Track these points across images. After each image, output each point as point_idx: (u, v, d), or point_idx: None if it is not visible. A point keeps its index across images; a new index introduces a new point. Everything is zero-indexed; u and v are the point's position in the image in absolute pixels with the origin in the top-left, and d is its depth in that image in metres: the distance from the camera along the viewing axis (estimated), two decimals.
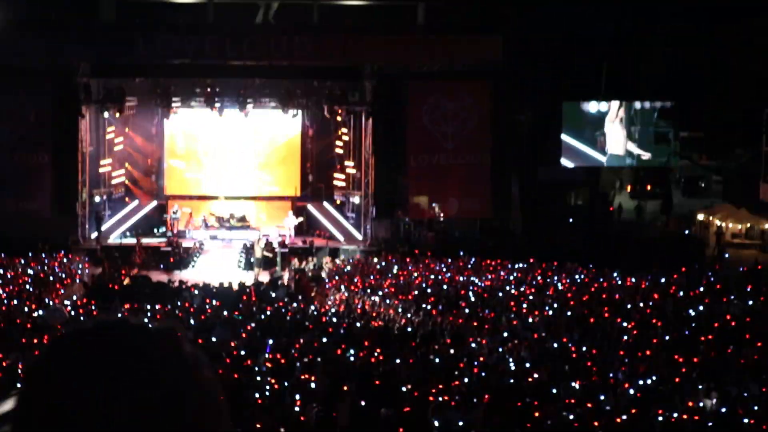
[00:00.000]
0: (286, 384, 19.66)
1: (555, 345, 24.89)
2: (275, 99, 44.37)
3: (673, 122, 45.92)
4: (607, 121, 46.13)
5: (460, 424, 18.27)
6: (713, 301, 31.30)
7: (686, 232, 45.43)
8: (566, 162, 45.89)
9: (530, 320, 28.38)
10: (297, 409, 17.93)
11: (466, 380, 21.31)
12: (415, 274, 36.26)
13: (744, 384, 21.00)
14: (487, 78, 43.87)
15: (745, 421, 18.86)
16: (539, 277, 35.59)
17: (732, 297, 31.82)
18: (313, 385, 19.79)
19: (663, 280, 34.60)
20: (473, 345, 24.94)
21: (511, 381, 21.49)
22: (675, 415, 19.21)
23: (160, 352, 1.99)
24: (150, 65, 42.33)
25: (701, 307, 30.01)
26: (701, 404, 20.08)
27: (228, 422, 2.06)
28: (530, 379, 21.62)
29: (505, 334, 26.18)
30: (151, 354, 1.98)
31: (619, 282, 34.92)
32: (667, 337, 26.17)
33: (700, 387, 21.05)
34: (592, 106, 45.90)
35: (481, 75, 43.72)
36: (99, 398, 1.90)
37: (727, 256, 42.00)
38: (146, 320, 2.06)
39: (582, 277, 35.69)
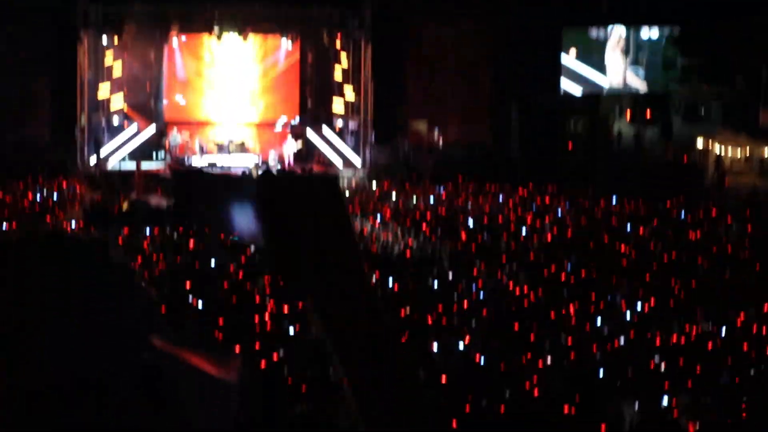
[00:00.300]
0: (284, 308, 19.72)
1: (553, 269, 24.96)
2: (274, 25, 44.22)
3: (680, 48, 45.86)
4: (608, 49, 46.02)
5: (460, 347, 18.37)
6: (711, 226, 31.40)
7: (686, 158, 45.38)
8: (570, 87, 45.85)
9: (529, 244, 28.45)
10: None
11: (464, 305, 21.40)
12: (414, 199, 36.29)
13: (742, 308, 21.09)
14: (487, 2, 43.68)
15: (743, 345, 18.97)
16: (538, 202, 35.65)
17: (730, 222, 31.90)
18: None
19: (662, 205, 34.67)
20: (472, 269, 25.02)
21: (510, 305, 21.59)
22: (672, 339, 19.33)
23: (92, 260, 2.03)
24: None
25: (699, 232, 30.11)
26: (698, 328, 20.20)
27: (154, 326, 2.10)
28: (528, 303, 21.72)
29: (504, 259, 26.26)
30: (82, 262, 2.02)
31: (618, 208, 34.99)
32: (665, 262, 26.27)
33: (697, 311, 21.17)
34: (598, 31, 45.91)
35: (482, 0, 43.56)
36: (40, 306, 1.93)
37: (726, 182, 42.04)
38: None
39: (581, 202, 35.74)
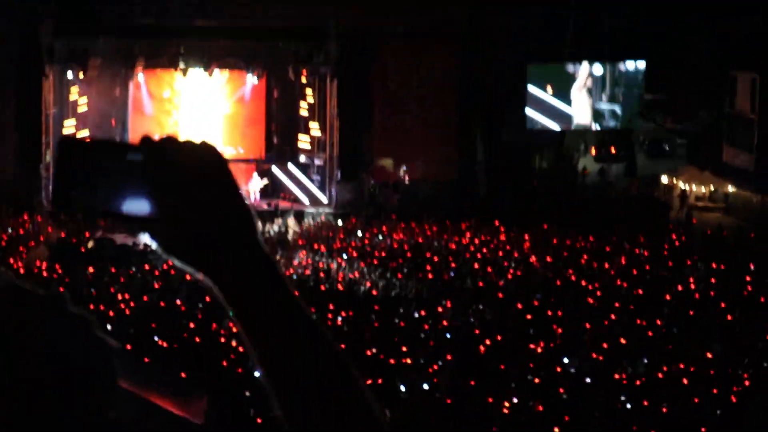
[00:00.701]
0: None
1: (520, 307, 24.94)
2: (240, 60, 44.19)
3: (645, 85, 46.22)
4: (574, 88, 46.21)
5: (425, 387, 18.31)
6: (677, 264, 31.48)
7: (651, 194, 45.58)
8: (539, 118, 45.98)
9: (495, 283, 28.45)
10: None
11: (431, 343, 21.34)
12: (380, 237, 36.27)
13: (707, 346, 21.12)
14: (453, 38, 43.80)
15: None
16: (504, 240, 35.66)
17: (696, 260, 31.98)
18: None
19: (628, 243, 34.74)
20: (438, 308, 24.97)
21: (476, 344, 21.54)
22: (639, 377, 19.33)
23: (46, 314, 1.99)
24: (114, 26, 42.06)
25: (665, 271, 30.18)
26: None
27: (117, 380, 2.06)
28: (495, 342, 21.67)
29: (470, 297, 26.24)
30: (36, 316, 1.98)
31: (585, 245, 35.04)
32: (631, 300, 26.30)
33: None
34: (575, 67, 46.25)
35: (448, 35, 43.62)
36: None
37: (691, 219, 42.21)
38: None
39: (548, 239, 35.76)
